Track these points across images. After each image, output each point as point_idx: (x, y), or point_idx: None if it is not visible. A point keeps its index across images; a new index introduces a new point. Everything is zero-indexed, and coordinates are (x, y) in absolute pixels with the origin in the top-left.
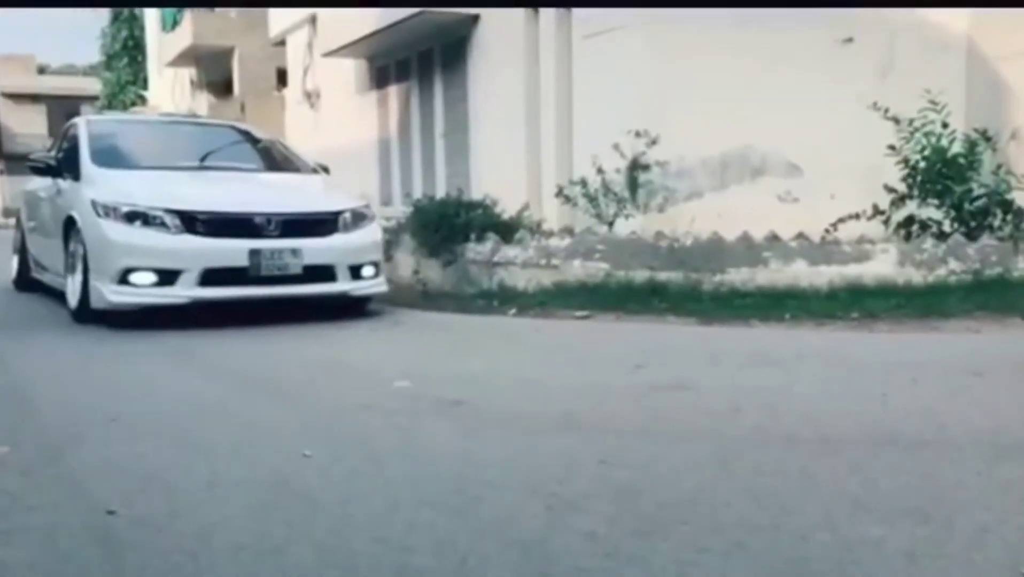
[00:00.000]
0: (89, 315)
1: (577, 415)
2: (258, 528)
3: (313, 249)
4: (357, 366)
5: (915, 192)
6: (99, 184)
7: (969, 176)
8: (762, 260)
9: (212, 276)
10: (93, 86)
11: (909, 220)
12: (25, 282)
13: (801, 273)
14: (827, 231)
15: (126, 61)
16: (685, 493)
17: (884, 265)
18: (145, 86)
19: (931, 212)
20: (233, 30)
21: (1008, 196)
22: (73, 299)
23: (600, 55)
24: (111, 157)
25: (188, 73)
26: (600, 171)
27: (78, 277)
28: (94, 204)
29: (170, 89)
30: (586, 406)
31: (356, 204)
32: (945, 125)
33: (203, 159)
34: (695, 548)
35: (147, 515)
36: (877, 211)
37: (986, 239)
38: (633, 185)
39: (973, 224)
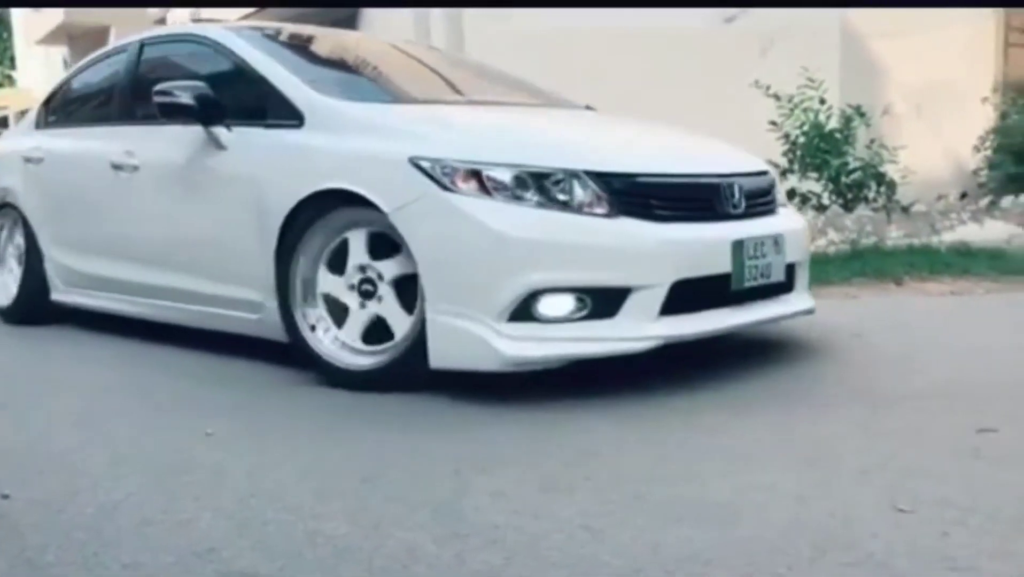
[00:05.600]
0: (413, 379)
1: (487, 384)
2: (164, 503)
3: (790, 238)
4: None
5: (795, 166)
6: (389, 129)
7: (845, 150)
8: None
9: (681, 296)
10: None
11: (791, 193)
12: (34, 311)
13: None
14: None
15: None
16: (587, 450)
17: None
18: (12, 66)
19: (811, 185)
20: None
21: (881, 169)
22: (347, 354)
23: (492, 31)
24: (340, 88)
25: (61, 52)
26: None
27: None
28: (420, 164)
29: (41, 69)
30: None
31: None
32: (822, 101)
33: (460, 89)
34: (599, 500)
35: (45, 497)
36: None
37: (861, 210)
38: None
39: (850, 196)
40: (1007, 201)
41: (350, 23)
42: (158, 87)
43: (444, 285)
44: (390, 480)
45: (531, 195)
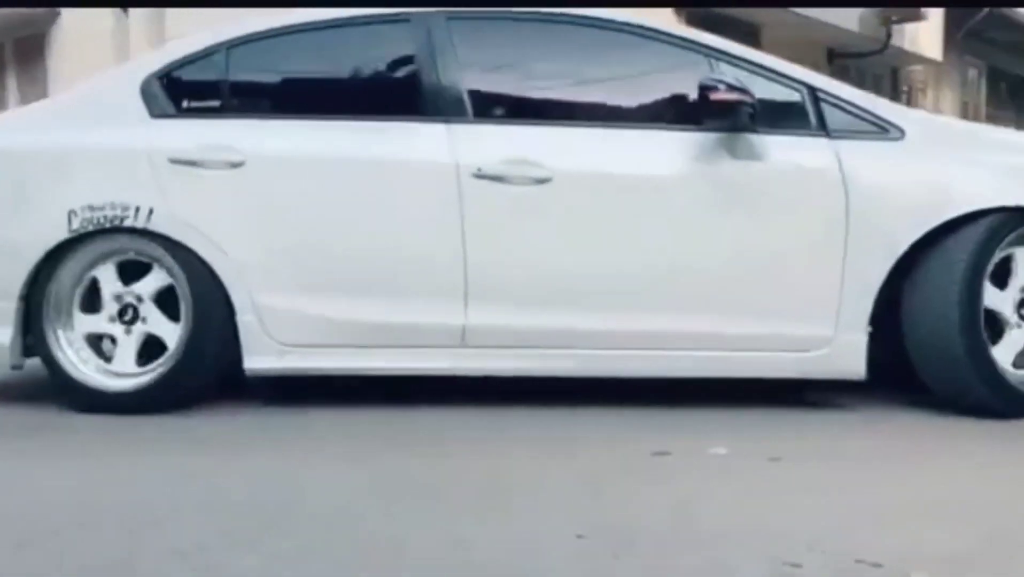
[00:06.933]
0: None
1: (181, 430)
2: None
3: None
4: None
5: None
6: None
7: None
8: None
9: None
10: None
11: None
12: (198, 388)
13: None
14: None
15: None
16: (272, 503)
17: None
18: None
19: None
20: None
21: None
22: None
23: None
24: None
25: None
26: None
27: None
28: None
29: None
30: (176, 427)
31: None
32: None
33: None
34: (276, 551)
35: None
36: None
37: None
38: None
39: None
40: None
41: (44, 26)
42: (708, 80)
43: None
44: (51, 542)
45: None
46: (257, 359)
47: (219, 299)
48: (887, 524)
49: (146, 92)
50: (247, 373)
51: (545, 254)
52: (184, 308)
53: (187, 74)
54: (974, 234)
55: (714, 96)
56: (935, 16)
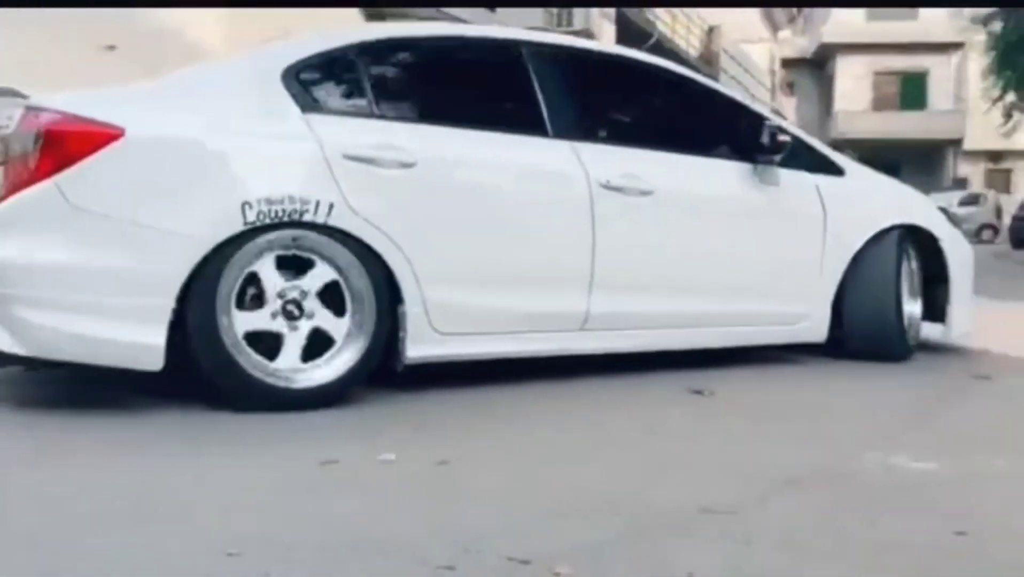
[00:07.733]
0: None
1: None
2: None
3: None
4: None
5: None
6: (890, 181)
7: None
8: None
9: None
10: None
11: None
12: (356, 381)
13: None
14: None
15: None
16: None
17: None
18: None
19: None
20: None
21: None
22: None
23: None
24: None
25: None
26: None
27: None
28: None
29: None
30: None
31: None
32: None
33: None
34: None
35: None
36: None
37: None
38: None
39: None
40: None
41: None
42: (778, 125)
43: None
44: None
45: None
46: (420, 348)
47: (387, 292)
48: (541, 522)
49: (287, 86)
50: (407, 361)
51: (647, 251)
52: (351, 302)
53: (325, 72)
54: (894, 237)
55: (780, 137)
56: (607, 40)
